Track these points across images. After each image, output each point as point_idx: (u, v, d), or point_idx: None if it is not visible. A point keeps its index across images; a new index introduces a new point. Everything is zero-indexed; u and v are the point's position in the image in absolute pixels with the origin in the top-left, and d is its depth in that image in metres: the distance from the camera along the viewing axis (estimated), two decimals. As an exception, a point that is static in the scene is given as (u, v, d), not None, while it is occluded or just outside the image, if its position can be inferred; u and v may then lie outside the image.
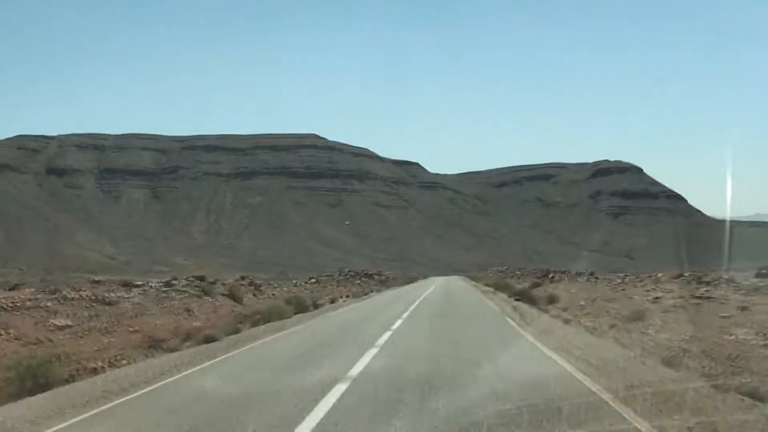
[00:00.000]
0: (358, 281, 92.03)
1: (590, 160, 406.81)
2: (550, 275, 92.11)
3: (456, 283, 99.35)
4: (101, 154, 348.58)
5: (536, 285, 59.44)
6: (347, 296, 56.72)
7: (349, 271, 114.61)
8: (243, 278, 58.38)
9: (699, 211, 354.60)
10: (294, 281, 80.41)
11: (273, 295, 48.01)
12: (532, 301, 36.53)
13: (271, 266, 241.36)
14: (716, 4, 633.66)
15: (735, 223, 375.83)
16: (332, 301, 46.83)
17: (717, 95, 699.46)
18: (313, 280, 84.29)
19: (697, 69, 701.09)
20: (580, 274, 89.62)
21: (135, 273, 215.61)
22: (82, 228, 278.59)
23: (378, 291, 72.88)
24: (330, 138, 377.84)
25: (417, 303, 41.47)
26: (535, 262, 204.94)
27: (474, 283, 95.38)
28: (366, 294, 63.71)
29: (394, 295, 60.55)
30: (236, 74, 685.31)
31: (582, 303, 33.11)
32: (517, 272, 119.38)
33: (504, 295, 47.83)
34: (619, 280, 58.48)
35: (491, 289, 60.44)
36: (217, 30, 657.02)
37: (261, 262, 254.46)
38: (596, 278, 71.93)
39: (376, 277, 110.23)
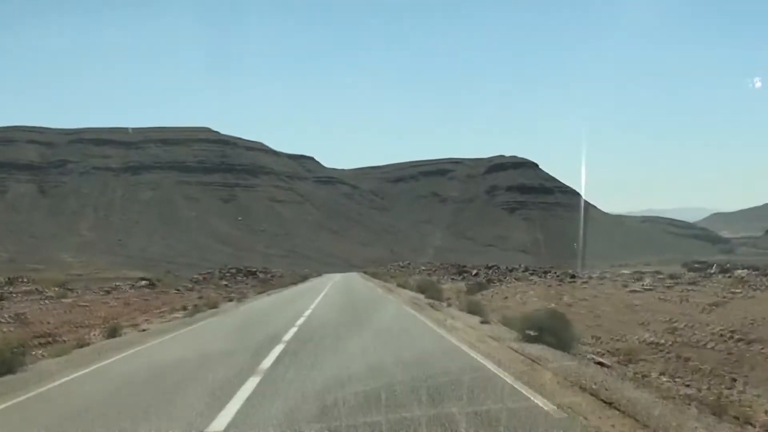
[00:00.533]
0: (225, 282, 74.84)
1: (486, 156, 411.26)
2: (473, 272, 75.67)
3: (358, 283, 74.22)
4: None
5: (481, 288, 45.62)
6: (175, 312, 35.09)
7: (232, 268, 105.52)
8: (11, 281, 43.72)
9: (594, 206, 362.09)
10: (113, 285, 56.54)
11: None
12: (560, 340, 15.98)
13: (162, 263, 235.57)
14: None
15: (628, 218, 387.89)
16: (111, 334, 24.01)
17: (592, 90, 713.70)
18: (143, 283, 61.30)
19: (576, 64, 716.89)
20: (512, 270, 74.75)
21: (17, 271, 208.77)
22: None
23: (241, 299, 48.25)
24: (223, 132, 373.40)
25: (282, 346, 17.82)
26: (429, 257, 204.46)
27: (382, 282, 71.29)
28: (215, 307, 38.34)
29: (262, 309, 37.84)
30: (127, 65, 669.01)
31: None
32: (423, 267, 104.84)
33: (470, 318, 24.13)
34: (643, 281, 42.84)
35: (421, 297, 38.16)
36: (106, 18, 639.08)
37: (152, 259, 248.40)
38: (572, 277, 53.56)
39: (260, 275, 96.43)
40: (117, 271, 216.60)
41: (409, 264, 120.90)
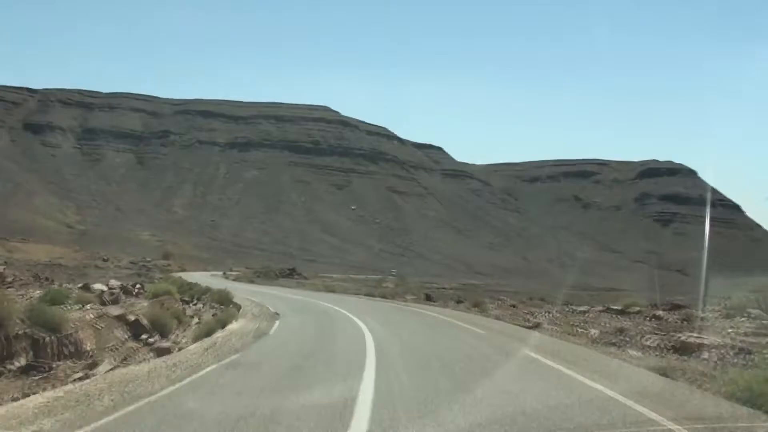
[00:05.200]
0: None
1: (636, 159, 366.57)
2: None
3: None
4: (87, 112, 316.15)
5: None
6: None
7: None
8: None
9: (759, 225, 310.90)
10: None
11: None
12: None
13: (254, 251, 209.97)
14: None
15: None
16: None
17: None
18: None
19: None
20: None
21: (81, 244, 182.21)
22: (47, 191, 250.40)
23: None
24: (344, 112, 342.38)
25: None
26: (568, 269, 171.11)
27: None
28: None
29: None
30: (242, 35, 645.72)
31: None
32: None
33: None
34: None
35: None
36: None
37: (243, 245, 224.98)
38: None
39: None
40: (198, 257, 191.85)
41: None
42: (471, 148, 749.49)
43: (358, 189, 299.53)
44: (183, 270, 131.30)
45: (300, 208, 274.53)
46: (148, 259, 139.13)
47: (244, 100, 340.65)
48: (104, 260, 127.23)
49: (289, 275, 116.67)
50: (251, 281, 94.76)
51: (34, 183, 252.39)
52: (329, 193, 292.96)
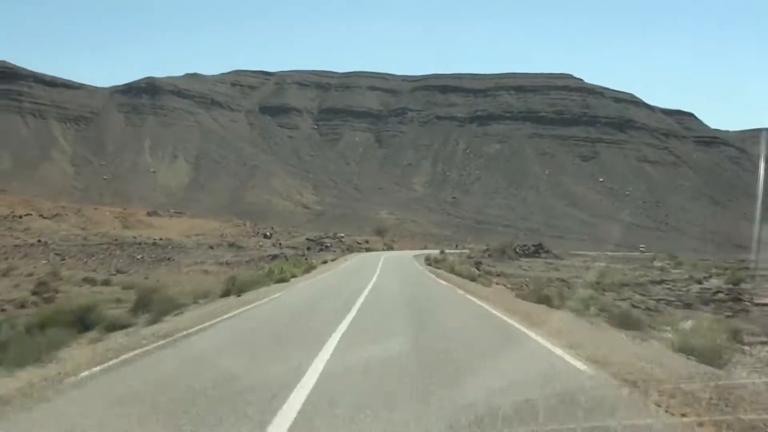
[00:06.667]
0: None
1: None
2: None
3: None
4: (324, 93, 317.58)
5: None
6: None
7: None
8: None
9: None
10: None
11: None
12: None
13: (497, 228, 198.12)
14: None
15: None
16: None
17: None
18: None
19: None
20: None
21: (318, 225, 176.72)
22: (284, 172, 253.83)
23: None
24: (587, 80, 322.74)
25: None
26: None
27: None
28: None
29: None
30: (476, 7, 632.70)
31: None
32: None
33: None
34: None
35: None
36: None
37: (486, 222, 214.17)
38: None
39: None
40: (434, 235, 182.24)
41: None
42: (724, 113, 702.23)
43: (606, 160, 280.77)
44: (389, 248, 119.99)
45: (545, 181, 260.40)
46: (340, 234, 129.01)
47: (483, 73, 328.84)
48: (266, 236, 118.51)
49: (534, 254, 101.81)
50: (477, 264, 65.84)
51: (271, 165, 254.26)
52: (575, 164, 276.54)
